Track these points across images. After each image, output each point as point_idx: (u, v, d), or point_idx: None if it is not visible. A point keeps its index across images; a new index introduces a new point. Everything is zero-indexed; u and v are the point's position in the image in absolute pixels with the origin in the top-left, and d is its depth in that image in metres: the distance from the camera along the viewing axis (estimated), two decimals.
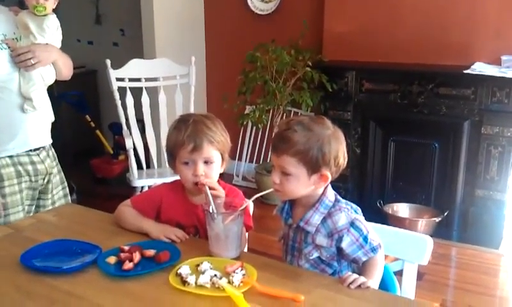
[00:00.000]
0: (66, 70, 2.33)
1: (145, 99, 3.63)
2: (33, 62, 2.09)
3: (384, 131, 3.91)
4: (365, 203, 3.65)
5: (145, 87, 3.62)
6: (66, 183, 2.44)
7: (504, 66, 3.43)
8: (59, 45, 2.24)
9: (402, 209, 3.75)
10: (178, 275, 1.40)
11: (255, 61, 3.95)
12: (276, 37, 4.09)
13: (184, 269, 1.41)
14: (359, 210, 1.53)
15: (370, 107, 3.87)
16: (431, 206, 3.72)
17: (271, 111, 4.20)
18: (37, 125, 2.22)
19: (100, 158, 4.90)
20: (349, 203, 1.53)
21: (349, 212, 1.48)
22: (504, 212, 3.53)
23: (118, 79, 3.49)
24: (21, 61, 2.09)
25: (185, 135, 1.64)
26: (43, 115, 2.25)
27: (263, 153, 4.67)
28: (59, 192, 2.37)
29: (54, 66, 2.23)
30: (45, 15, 2.11)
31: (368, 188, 4.01)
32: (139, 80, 3.60)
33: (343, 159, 1.50)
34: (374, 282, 1.42)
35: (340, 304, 1.30)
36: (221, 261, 1.47)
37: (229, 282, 1.35)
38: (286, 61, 3.81)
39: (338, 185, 1.47)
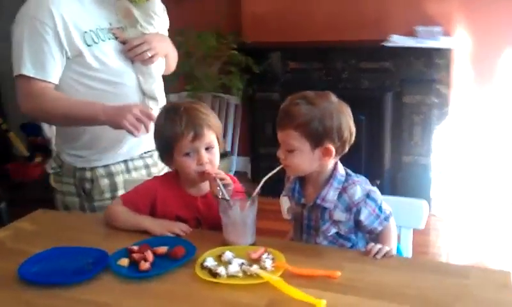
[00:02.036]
0: (174, 62, 2.08)
1: None
2: (150, 55, 1.83)
3: None
4: None
5: None
6: None
7: (420, 36, 3.63)
8: (166, 32, 1.98)
9: None
10: (205, 268, 1.34)
11: (177, 47, 3.83)
12: (195, 22, 3.99)
13: (209, 261, 1.36)
14: (368, 181, 1.55)
15: (297, 86, 3.78)
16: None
17: (201, 98, 4.11)
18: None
19: (16, 162, 4.49)
20: (359, 175, 1.56)
21: (363, 184, 1.51)
22: (430, 175, 3.77)
23: None
24: (137, 54, 1.83)
25: (183, 124, 1.55)
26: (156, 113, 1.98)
27: None
28: None
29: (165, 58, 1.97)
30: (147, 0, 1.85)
31: None
32: None
33: (348, 133, 1.51)
34: (393, 250, 1.46)
35: (375, 275, 1.32)
36: (241, 248, 1.43)
37: (261, 268, 1.32)
38: (213, 45, 3.75)
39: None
